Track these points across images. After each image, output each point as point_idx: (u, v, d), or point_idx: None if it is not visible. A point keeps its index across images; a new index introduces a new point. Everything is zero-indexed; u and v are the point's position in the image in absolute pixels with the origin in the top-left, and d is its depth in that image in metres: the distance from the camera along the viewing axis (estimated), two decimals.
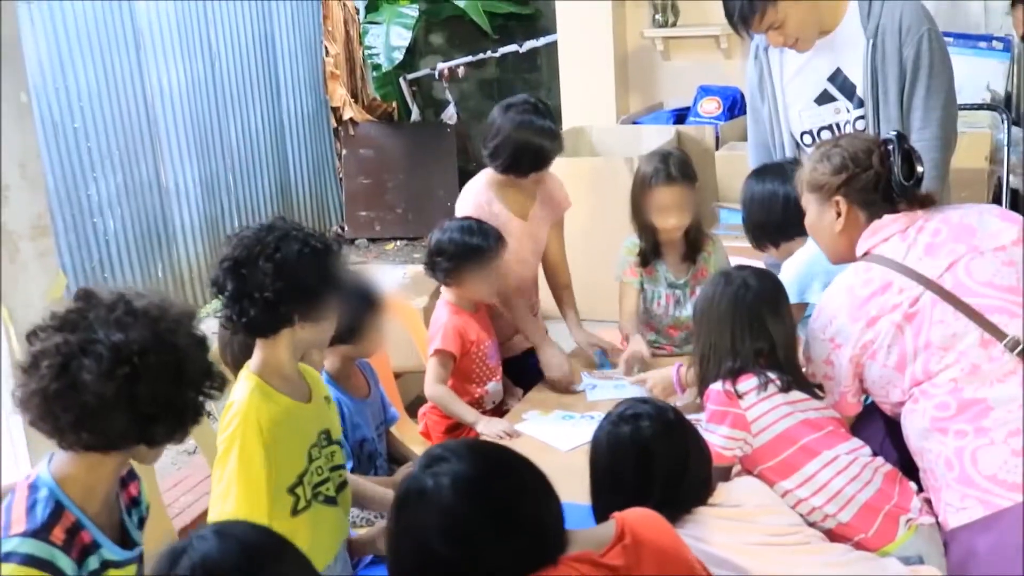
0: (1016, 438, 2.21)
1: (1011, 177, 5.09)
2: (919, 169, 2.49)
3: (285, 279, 2.20)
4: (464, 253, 3.39)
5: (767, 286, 2.59)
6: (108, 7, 5.91)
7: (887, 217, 2.46)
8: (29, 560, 1.78)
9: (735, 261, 3.76)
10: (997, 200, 5.04)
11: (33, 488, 1.87)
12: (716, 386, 2.51)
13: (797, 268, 3.02)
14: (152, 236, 6.27)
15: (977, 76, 5.54)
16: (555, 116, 3.62)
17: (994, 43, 5.65)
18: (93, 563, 1.86)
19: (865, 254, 2.47)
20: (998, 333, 2.28)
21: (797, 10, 3.10)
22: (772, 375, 2.49)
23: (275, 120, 7.47)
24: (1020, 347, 2.26)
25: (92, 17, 5.80)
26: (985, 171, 5.05)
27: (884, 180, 2.47)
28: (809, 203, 2.61)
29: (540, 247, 3.82)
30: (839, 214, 2.52)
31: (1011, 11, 5.18)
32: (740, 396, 2.47)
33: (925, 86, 3.13)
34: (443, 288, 3.53)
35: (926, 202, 2.50)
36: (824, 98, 3.27)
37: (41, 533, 1.81)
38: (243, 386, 2.32)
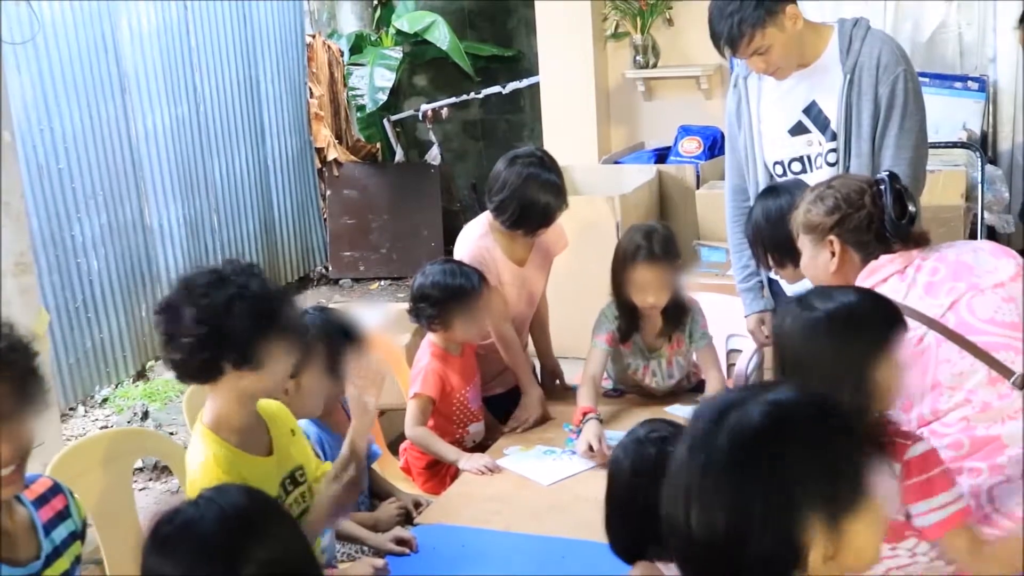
0: None
1: (986, 214, 5.15)
2: (911, 208, 2.48)
3: (209, 325, 2.13)
4: (449, 297, 3.36)
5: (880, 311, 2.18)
6: (93, 49, 5.96)
7: (884, 258, 2.46)
8: None
9: (713, 299, 3.79)
10: (973, 237, 5.09)
11: None
12: None
13: None
14: (136, 276, 6.28)
15: (953, 115, 5.61)
16: (559, 170, 3.57)
17: (969, 83, 5.73)
18: None
19: None
20: (1005, 371, 2.26)
21: (782, 38, 3.14)
22: None
23: (259, 161, 7.50)
24: None
25: (78, 59, 5.84)
26: (961, 208, 5.10)
27: (877, 220, 2.47)
28: (804, 245, 2.60)
29: (537, 292, 3.83)
30: (833, 254, 2.52)
31: (1018, 27, 5.28)
32: None
33: (898, 126, 3.17)
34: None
35: (921, 241, 2.50)
36: (798, 129, 3.32)
37: None
38: (200, 445, 2.26)
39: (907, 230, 2.48)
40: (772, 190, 3.21)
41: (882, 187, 2.50)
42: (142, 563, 1.60)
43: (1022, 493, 2.18)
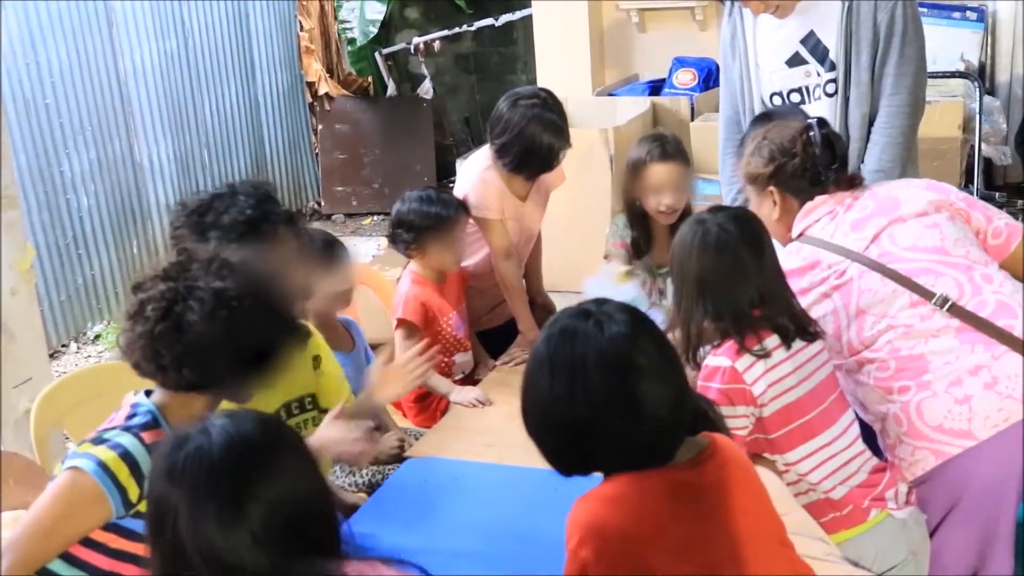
0: (957, 387, 2.31)
1: (984, 146, 5.11)
2: (840, 152, 2.61)
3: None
4: (424, 223, 3.37)
5: (748, 227, 2.38)
6: None
7: (818, 199, 2.58)
8: (121, 450, 1.95)
9: None
10: (970, 169, 5.06)
11: (135, 406, 2.06)
12: (718, 362, 2.32)
13: None
14: (126, 213, 6.23)
15: (951, 46, 5.56)
16: (563, 110, 3.52)
17: (968, 13, 5.67)
18: None
19: (800, 235, 2.59)
20: (926, 293, 2.37)
21: None
22: (770, 337, 2.31)
23: (250, 95, 7.42)
24: (948, 303, 2.35)
25: None
26: (958, 140, 5.06)
27: (810, 166, 2.58)
28: (751, 194, 2.72)
29: (535, 228, 3.79)
30: (775, 203, 2.63)
31: None
32: (743, 372, 2.29)
33: (898, 52, 3.14)
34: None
35: (853, 182, 2.63)
36: (795, 60, 3.27)
37: (136, 431, 1.99)
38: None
39: (839, 173, 2.60)
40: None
41: (811, 133, 2.59)
42: (149, 488, 1.60)
43: (945, 405, 2.31)
